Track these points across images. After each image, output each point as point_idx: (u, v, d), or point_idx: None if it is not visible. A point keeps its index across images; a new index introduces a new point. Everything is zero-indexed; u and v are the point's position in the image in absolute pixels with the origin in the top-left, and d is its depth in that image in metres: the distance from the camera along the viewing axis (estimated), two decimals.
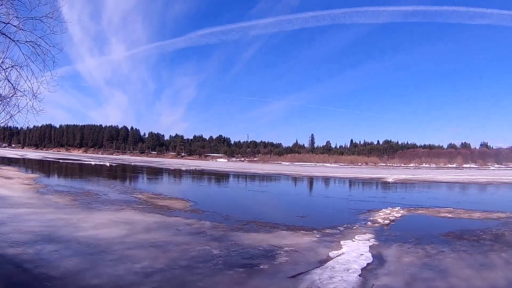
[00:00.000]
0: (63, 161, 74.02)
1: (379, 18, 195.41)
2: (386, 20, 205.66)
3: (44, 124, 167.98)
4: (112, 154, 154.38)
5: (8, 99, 8.66)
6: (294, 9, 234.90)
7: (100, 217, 14.09)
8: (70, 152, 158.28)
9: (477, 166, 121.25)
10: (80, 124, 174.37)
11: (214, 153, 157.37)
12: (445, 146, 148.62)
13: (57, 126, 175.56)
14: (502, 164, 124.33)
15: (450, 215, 17.94)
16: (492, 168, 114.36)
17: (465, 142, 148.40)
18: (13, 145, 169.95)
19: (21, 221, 12.23)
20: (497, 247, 11.19)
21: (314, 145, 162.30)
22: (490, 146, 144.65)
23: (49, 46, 8.82)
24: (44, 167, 53.36)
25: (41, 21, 8.62)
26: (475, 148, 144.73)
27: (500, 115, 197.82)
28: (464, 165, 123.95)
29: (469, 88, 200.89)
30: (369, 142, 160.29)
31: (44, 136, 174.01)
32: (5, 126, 9.30)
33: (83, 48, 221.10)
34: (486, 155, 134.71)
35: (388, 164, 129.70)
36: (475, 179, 50.81)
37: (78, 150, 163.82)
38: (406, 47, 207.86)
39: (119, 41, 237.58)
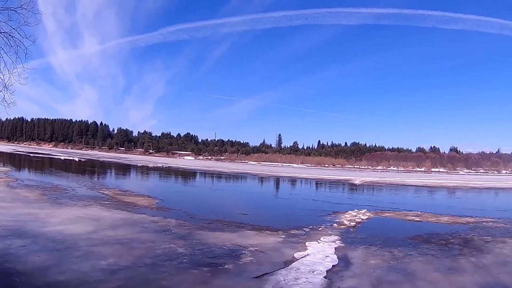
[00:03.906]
0: (33, 155, 72.11)
1: (352, 20, 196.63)
2: (358, 22, 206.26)
3: (16, 117, 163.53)
4: (81, 149, 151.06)
5: None
6: (267, 8, 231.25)
7: (68, 212, 13.97)
8: (40, 146, 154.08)
9: (446, 171, 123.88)
10: (51, 118, 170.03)
11: (181, 151, 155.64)
12: (414, 150, 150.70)
13: (29, 120, 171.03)
14: (471, 169, 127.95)
15: (417, 219, 18.18)
16: (461, 173, 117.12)
17: (434, 146, 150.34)
18: None
19: None
20: (466, 251, 11.34)
21: (282, 145, 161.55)
22: (459, 151, 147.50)
23: (22, 37, 8.68)
24: (15, 161, 52.33)
25: (16, 11, 8.47)
26: (444, 152, 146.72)
27: (470, 120, 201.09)
28: (433, 169, 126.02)
29: (439, 93, 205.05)
30: (337, 143, 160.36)
31: (16, 129, 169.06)
32: None
33: (56, 41, 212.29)
34: (455, 159, 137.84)
35: (356, 166, 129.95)
36: (444, 183, 51.66)
37: (49, 144, 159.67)
38: (377, 49, 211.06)
39: (92, 35, 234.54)
